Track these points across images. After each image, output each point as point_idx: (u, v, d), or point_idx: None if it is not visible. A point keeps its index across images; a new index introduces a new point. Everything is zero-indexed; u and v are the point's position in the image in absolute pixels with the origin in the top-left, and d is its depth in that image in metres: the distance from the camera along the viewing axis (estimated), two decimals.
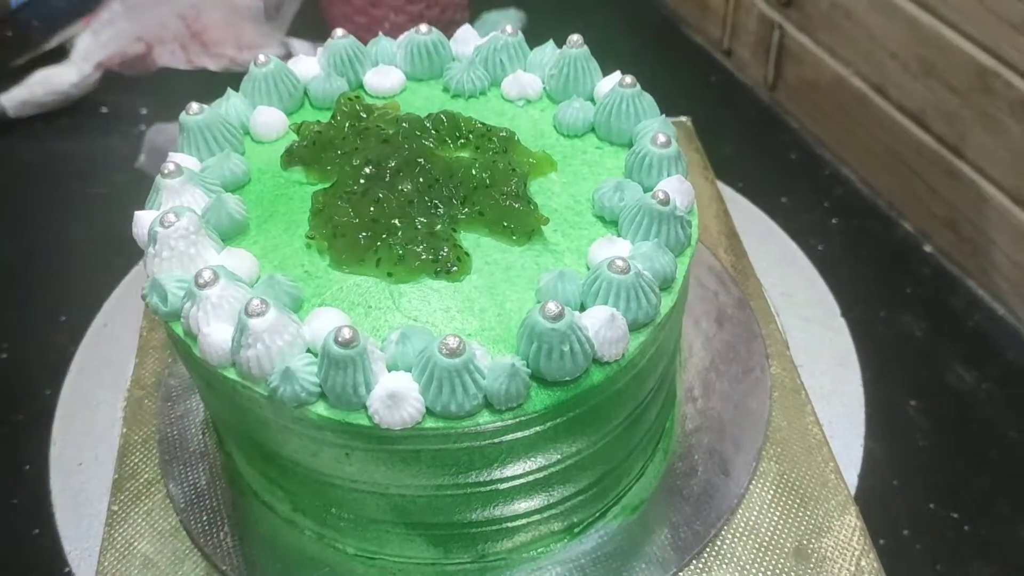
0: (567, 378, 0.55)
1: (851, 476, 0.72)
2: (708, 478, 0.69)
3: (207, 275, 0.57)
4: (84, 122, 1.19)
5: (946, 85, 0.91)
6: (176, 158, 0.67)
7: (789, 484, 0.68)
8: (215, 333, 0.56)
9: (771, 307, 0.81)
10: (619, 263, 0.57)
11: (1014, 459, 0.80)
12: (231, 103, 0.72)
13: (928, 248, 0.99)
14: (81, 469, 0.76)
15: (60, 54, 1.24)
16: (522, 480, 0.60)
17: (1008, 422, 0.82)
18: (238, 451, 0.68)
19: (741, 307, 0.79)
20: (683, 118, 1.00)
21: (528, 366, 0.55)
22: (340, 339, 0.52)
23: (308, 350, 0.56)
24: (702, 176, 0.92)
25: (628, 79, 0.69)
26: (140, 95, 1.20)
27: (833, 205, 1.03)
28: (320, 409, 0.54)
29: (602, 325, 0.56)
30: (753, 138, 1.13)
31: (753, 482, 0.68)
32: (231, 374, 0.56)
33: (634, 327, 0.58)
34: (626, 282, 0.56)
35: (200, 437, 0.73)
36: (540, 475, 0.60)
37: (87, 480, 0.75)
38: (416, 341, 0.55)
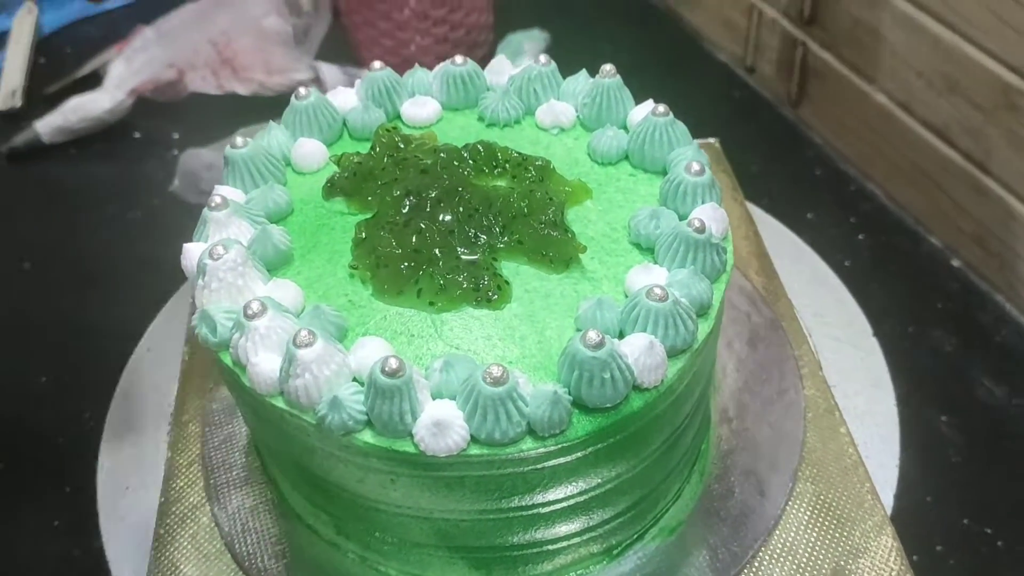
0: (608, 405, 0.56)
1: (887, 497, 0.73)
2: (744, 499, 0.70)
3: (256, 306, 0.58)
4: (118, 147, 1.21)
5: (970, 102, 0.92)
6: (222, 190, 0.69)
7: (825, 505, 0.69)
8: (264, 363, 0.58)
9: (803, 328, 0.82)
10: (657, 291, 0.58)
11: None
12: (273, 135, 0.74)
13: (956, 263, 0.99)
14: (128, 493, 0.77)
15: (93, 81, 1.26)
16: (563, 504, 0.61)
17: None
18: (283, 476, 0.70)
19: (773, 328, 0.80)
20: (711, 140, 1.01)
21: (570, 393, 0.56)
22: (387, 369, 0.54)
23: (354, 379, 0.58)
24: (731, 198, 0.93)
25: (661, 108, 0.71)
26: (172, 120, 1.22)
27: (859, 221, 1.03)
28: (367, 437, 0.56)
29: (641, 352, 0.57)
30: (778, 155, 1.13)
31: (789, 503, 0.69)
32: (279, 403, 0.58)
33: (672, 353, 0.59)
34: (664, 309, 0.58)
35: (244, 461, 0.75)
36: (580, 499, 0.61)
37: (134, 504, 0.76)
38: (460, 369, 0.57)
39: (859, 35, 1.05)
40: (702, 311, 0.61)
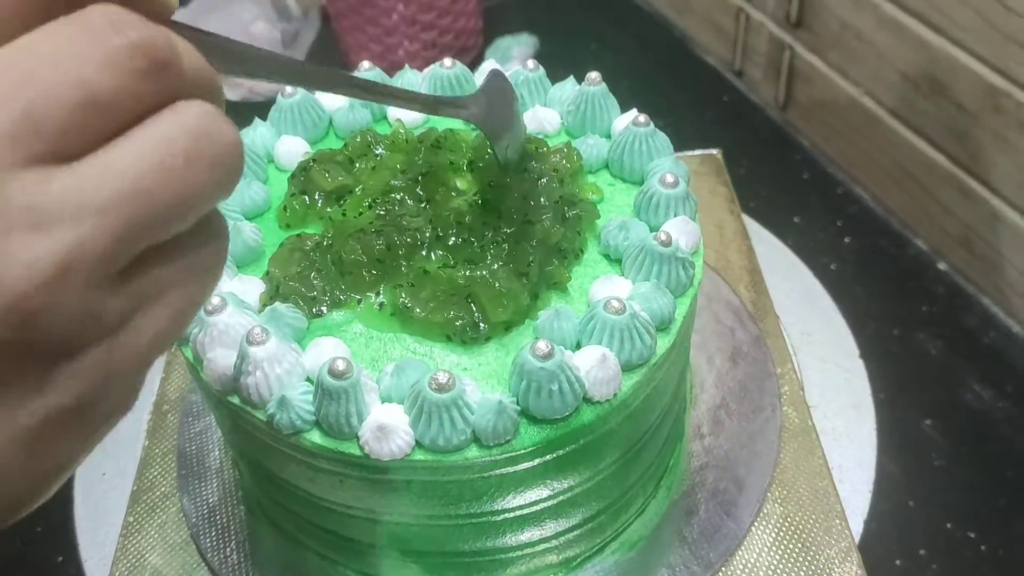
0: (556, 416, 0.56)
1: (856, 523, 0.71)
2: (710, 518, 0.68)
3: (215, 302, 0.59)
4: None
5: (956, 104, 0.90)
6: None
7: (793, 528, 0.68)
8: (219, 359, 0.58)
9: (788, 346, 0.80)
10: (614, 303, 0.57)
11: None
12: (257, 132, 0.75)
13: (942, 266, 0.98)
14: (104, 479, 0.79)
15: None
16: (514, 514, 0.60)
17: None
18: (246, 470, 0.70)
19: (757, 345, 0.79)
20: (713, 151, 1.00)
21: (518, 403, 0.56)
22: (333, 370, 0.54)
23: (309, 379, 0.58)
24: (728, 210, 0.91)
25: (642, 118, 0.70)
26: None
27: (846, 224, 1.02)
28: (315, 437, 0.56)
29: (593, 365, 0.56)
30: (766, 158, 1.12)
31: (756, 524, 0.68)
32: (233, 400, 0.58)
33: (628, 367, 0.58)
34: (620, 322, 0.57)
35: (216, 453, 0.76)
36: (532, 509, 0.61)
37: (109, 490, 0.78)
38: (410, 374, 0.57)
39: (845, 38, 1.03)
40: (663, 326, 0.61)
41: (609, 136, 0.74)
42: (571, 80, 0.77)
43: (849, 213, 1.05)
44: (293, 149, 0.73)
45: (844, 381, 0.80)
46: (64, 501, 0.78)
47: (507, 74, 0.77)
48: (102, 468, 0.79)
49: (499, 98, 0.65)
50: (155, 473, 0.76)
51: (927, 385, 0.85)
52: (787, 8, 1.11)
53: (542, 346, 0.54)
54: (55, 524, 0.78)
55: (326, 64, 1.23)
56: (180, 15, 1.30)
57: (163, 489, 0.74)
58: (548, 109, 0.75)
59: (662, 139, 0.71)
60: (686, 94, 1.22)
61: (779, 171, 1.10)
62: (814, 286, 0.89)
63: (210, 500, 0.73)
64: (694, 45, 1.33)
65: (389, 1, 1.15)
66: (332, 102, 0.77)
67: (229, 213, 0.68)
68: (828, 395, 0.79)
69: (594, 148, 0.71)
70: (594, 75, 0.73)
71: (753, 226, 0.94)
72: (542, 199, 0.66)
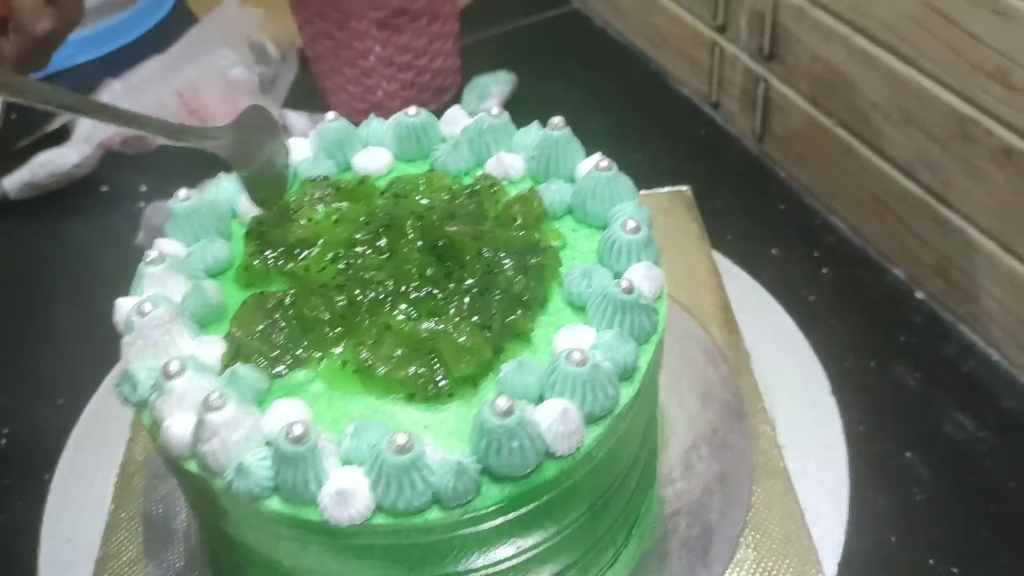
0: (518, 473, 0.55)
1: (831, 566, 0.70)
2: (683, 566, 0.68)
3: (174, 366, 0.58)
4: (85, 202, 1.19)
5: (927, 134, 0.90)
6: (163, 245, 0.70)
7: (766, 573, 0.67)
8: (176, 425, 0.58)
9: (760, 385, 0.79)
10: (576, 355, 0.57)
11: (1014, 510, 0.77)
12: (221, 187, 0.74)
13: (919, 295, 0.97)
14: (70, 545, 0.78)
15: (62, 135, 1.23)
16: (480, 573, 0.59)
17: (1007, 472, 0.80)
18: (210, 535, 0.69)
19: (728, 385, 0.78)
20: (683, 187, 0.99)
21: (479, 461, 0.55)
22: (291, 435, 0.53)
23: (269, 442, 0.57)
24: (697, 248, 0.91)
25: (604, 162, 0.69)
26: (140, 173, 1.21)
27: (824, 255, 1.01)
28: (274, 504, 0.55)
29: (555, 419, 0.56)
30: (743, 190, 1.12)
31: (729, 570, 0.67)
32: (192, 466, 0.58)
33: (591, 420, 0.57)
34: (582, 374, 0.56)
35: (183, 516, 0.75)
36: (498, 568, 0.60)
37: (75, 556, 0.76)
38: (370, 435, 0.56)
39: (817, 70, 1.04)
40: (627, 375, 0.60)
41: (573, 180, 0.73)
42: (535, 125, 0.76)
43: (826, 244, 1.05)
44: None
45: (816, 419, 0.79)
46: (28, 571, 0.77)
47: (472, 121, 0.77)
48: (68, 534, 0.78)
49: (253, 131, 0.71)
50: (121, 538, 0.74)
51: (906, 417, 0.84)
52: (760, 41, 1.11)
53: (501, 403, 0.54)
54: None
55: (305, 107, 1.24)
56: (159, 63, 1.31)
57: (129, 555, 0.73)
58: (512, 155, 0.75)
59: (625, 183, 0.70)
60: (663, 127, 1.21)
61: (756, 203, 1.10)
62: (786, 322, 0.88)
63: (177, 565, 0.72)
64: (670, 78, 1.34)
65: (366, 43, 1.15)
66: (296, 154, 0.77)
67: (192, 272, 0.67)
68: (800, 434, 0.78)
69: (557, 193, 0.71)
70: (557, 120, 0.73)
71: (724, 263, 0.93)
72: (504, 248, 0.66)
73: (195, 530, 0.74)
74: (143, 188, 1.20)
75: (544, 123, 0.75)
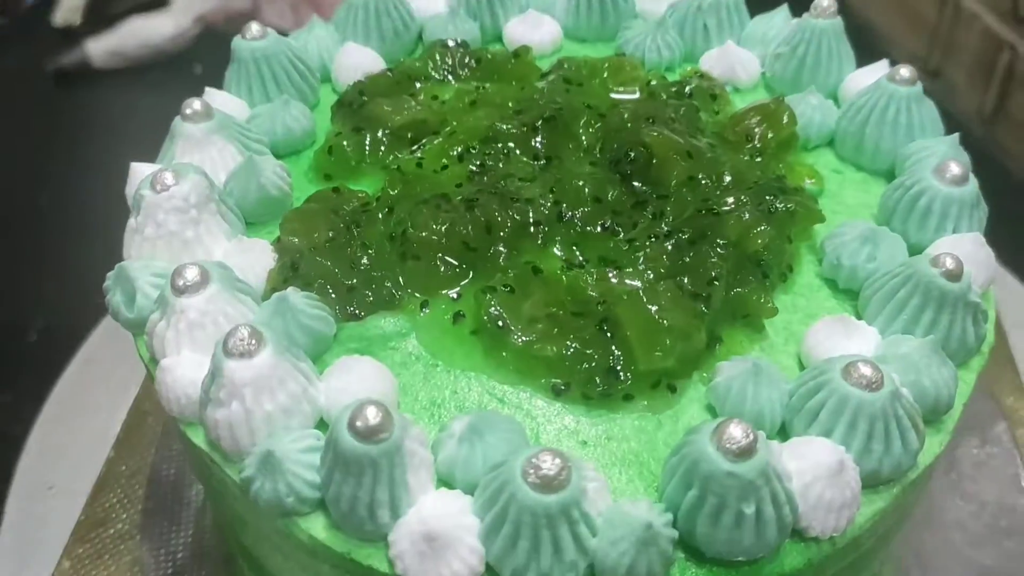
0: (740, 556, 0.33)
1: None
2: None
3: (191, 275, 0.36)
4: (174, 82, 1.02)
5: None
6: (215, 97, 0.47)
7: None
8: (182, 368, 0.36)
9: None
10: (865, 370, 0.33)
11: None
12: (314, 35, 0.52)
13: None
14: (50, 496, 0.57)
15: (160, 3, 1.09)
16: None
17: None
18: (223, 533, 0.47)
19: (993, 442, 0.53)
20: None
21: (677, 525, 0.32)
22: (359, 424, 0.30)
23: (323, 423, 0.35)
24: None
25: (906, 71, 0.45)
26: None
27: None
28: (315, 528, 0.34)
29: (819, 476, 0.32)
30: None
31: None
32: (197, 437, 0.35)
33: (871, 482, 0.34)
34: (872, 406, 0.33)
35: (200, 485, 0.53)
36: None
37: (49, 511, 0.56)
38: (494, 443, 0.33)
39: None
40: (934, 416, 0.36)
41: (836, 99, 0.48)
42: (784, 11, 0.52)
43: None
44: (362, 65, 0.51)
45: None
46: None
47: None
48: (50, 479, 0.57)
49: None
50: (114, 500, 0.54)
51: None
52: None
53: (738, 433, 0.30)
54: None
55: None
56: None
57: (121, 525, 0.52)
58: (743, 50, 0.51)
59: (929, 109, 0.46)
60: None
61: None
62: None
63: (178, 556, 0.50)
64: (879, 36, 1.10)
65: None
66: (426, 5, 0.54)
67: (251, 142, 0.45)
68: None
69: (816, 112, 0.48)
70: (826, 2, 0.48)
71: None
72: (732, 178, 0.42)
73: (211, 508, 0.52)
74: None
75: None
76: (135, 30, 1.04)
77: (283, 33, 0.53)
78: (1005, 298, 0.66)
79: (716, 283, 0.38)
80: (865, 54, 1.05)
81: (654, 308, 0.37)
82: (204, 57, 1.05)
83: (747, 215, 0.40)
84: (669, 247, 0.40)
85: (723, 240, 0.40)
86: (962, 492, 0.54)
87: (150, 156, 0.66)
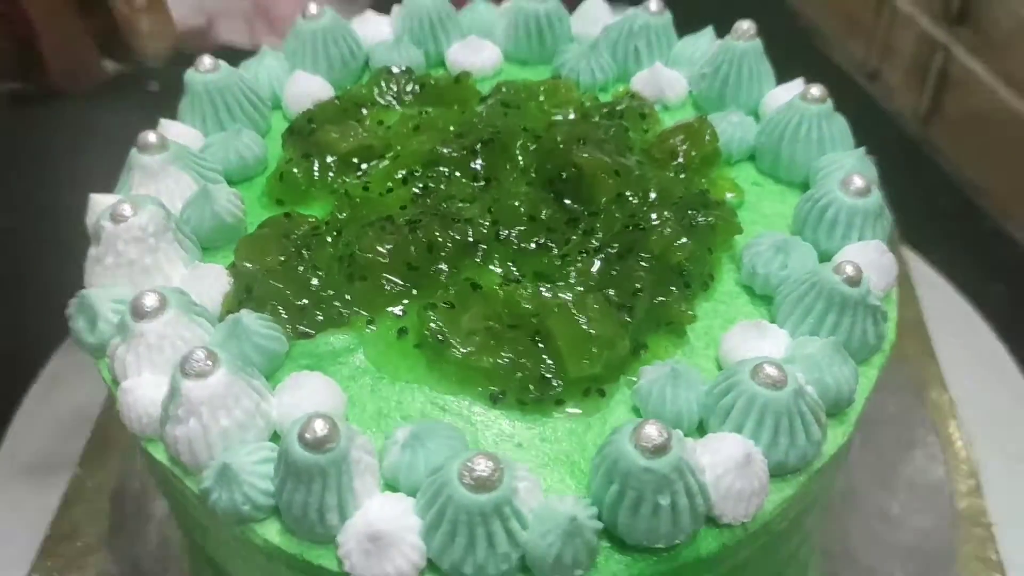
0: (660, 543, 0.36)
1: None
2: None
3: (150, 301, 0.39)
4: (130, 97, 1.02)
5: None
6: (170, 128, 0.49)
7: None
8: (142, 388, 0.39)
9: (963, 433, 0.58)
10: (770, 371, 0.36)
11: None
12: (264, 64, 0.54)
13: None
14: (18, 511, 0.58)
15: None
16: None
17: None
18: (190, 542, 0.50)
19: (914, 433, 0.57)
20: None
21: (601, 518, 0.35)
22: (308, 435, 0.33)
23: (277, 436, 0.37)
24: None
25: (816, 90, 0.48)
26: None
27: (995, 267, 0.81)
28: (270, 533, 0.36)
29: (730, 467, 0.35)
30: (897, 179, 0.90)
31: None
32: (158, 453, 0.38)
33: (779, 472, 0.37)
34: (777, 402, 0.36)
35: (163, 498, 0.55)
36: None
37: (18, 527, 0.57)
38: (434, 448, 0.36)
39: (1020, 41, 0.83)
40: (836, 410, 0.39)
41: (757, 115, 0.52)
42: (709, 33, 0.55)
43: (999, 256, 0.84)
44: (311, 93, 0.53)
45: None
46: None
47: (619, 18, 0.56)
48: (18, 495, 0.59)
49: None
50: (80, 514, 0.56)
51: None
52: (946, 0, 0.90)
53: (652, 432, 0.33)
54: None
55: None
56: None
57: (87, 539, 0.54)
58: (672, 70, 0.54)
59: (840, 125, 0.49)
60: None
61: (912, 197, 0.88)
62: (997, 351, 0.65)
63: (143, 567, 0.52)
64: (821, 38, 1.12)
65: None
66: (372, 33, 0.56)
67: (205, 171, 0.47)
68: (1019, 509, 0.55)
69: (737, 129, 0.50)
70: (746, 25, 0.52)
71: (916, 263, 0.70)
72: (658, 194, 0.45)
73: (175, 521, 0.54)
74: None
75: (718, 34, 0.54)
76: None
77: (239, 49, 0.55)
78: (931, 295, 0.70)
79: (639, 294, 0.41)
80: (811, 57, 1.08)
81: (582, 319, 0.40)
82: (159, 73, 1.04)
83: (668, 230, 0.43)
84: (598, 262, 0.43)
85: (647, 254, 0.43)
86: (884, 480, 0.58)
87: (107, 173, 0.68)
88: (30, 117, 1.01)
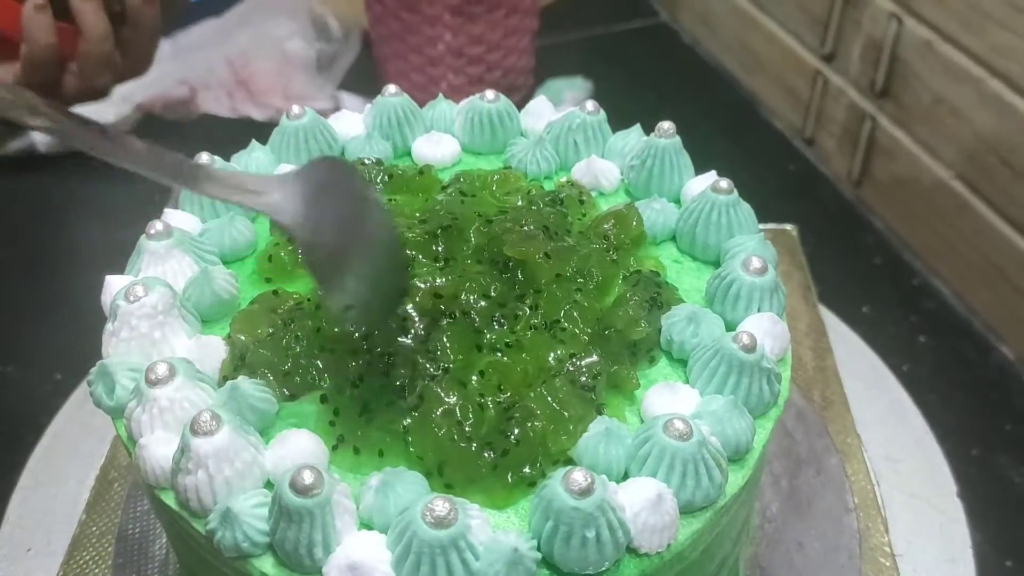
0: (588, 571, 0.42)
1: None
2: None
3: (161, 370, 0.46)
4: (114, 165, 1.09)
5: None
6: (172, 217, 0.57)
7: None
8: (156, 445, 0.45)
9: (870, 473, 0.66)
10: (678, 425, 0.44)
11: None
12: (253, 157, 0.62)
13: None
14: (28, 556, 0.65)
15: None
16: None
17: None
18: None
19: (828, 473, 0.64)
20: (788, 226, 0.86)
21: (540, 549, 0.41)
22: (297, 484, 0.40)
23: (270, 484, 0.44)
24: (803, 298, 0.77)
25: (724, 183, 0.56)
26: (179, 141, 1.04)
27: (921, 320, 0.88)
28: (266, 566, 0.43)
29: (644, 506, 0.43)
30: (833, 237, 0.99)
31: None
32: (169, 499, 0.45)
33: (688, 510, 0.44)
34: (684, 451, 0.43)
35: (163, 540, 0.62)
36: None
37: (29, 571, 0.64)
38: (401, 493, 0.43)
39: (939, 113, 0.91)
40: (737, 456, 0.47)
41: (679, 201, 0.60)
42: (637, 129, 0.64)
43: (925, 308, 0.91)
44: None
45: (939, 526, 0.64)
46: None
47: (560, 115, 0.64)
48: (28, 542, 0.65)
49: (328, 200, 0.45)
50: (87, 558, 0.62)
51: (1010, 518, 0.69)
52: (873, 75, 0.99)
53: (579, 478, 0.41)
54: None
55: (363, 91, 1.12)
56: (211, 27, 1.19)
57: None
58: (606, 162, 0.62)
59: (746, 211, 0.57)
60: (747, 159, 1.08)
61: (847, 254, 0.97)
62: (902, 399, 0.74)
63: None
64: (762, 107, 1.21)
65: (436, 29, 1.03)
66: (347, 129, 0.64)
67: (204, 254, 0.54)
68: (919, 542, 0.63)
69: (660, 214, 0.58)
70: (667, 125, 0.60)
71: (830, 319, 0.79)
72: (597, 271, 0.53)
73: (174, 560, 0.61)
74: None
75: (645, 130, 0.63)
76: None
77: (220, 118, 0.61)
78: (844, 349, 0.78)
79: (599, 377, 0.49)
80: (756, 123, 1.17)
81: (556, 402, 0.46)
82: (144, 138, 1.13)
83: (632, 310, 0.51)
84: (551, 341, 0.50)
85: (610, 329, 0.50)
86: (800, 514, 0.65)
87: (96, 236, 0.72)
88: (20, 182, 1.05)
